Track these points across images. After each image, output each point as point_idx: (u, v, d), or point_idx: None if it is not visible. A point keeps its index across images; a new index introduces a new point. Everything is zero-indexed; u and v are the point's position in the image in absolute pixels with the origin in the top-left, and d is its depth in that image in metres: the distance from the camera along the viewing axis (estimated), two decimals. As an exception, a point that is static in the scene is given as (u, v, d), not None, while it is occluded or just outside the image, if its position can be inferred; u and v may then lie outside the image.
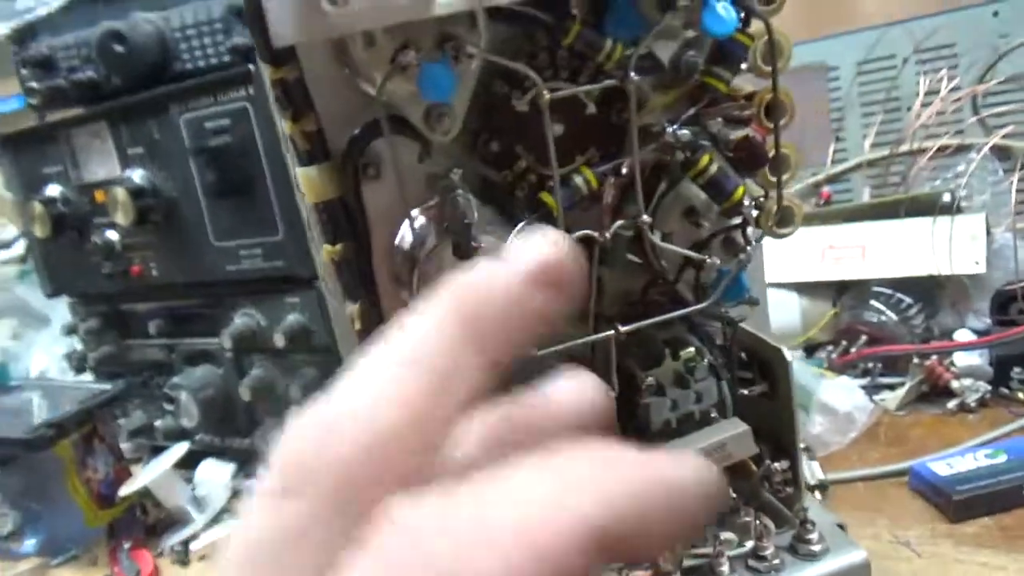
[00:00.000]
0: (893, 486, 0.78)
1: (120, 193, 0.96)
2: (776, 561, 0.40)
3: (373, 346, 0.19)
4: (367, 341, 0.38)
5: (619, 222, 0.35)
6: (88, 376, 1.20)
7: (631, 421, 0.38)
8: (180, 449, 1.00)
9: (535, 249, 0.19)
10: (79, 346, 1.20)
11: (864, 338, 0.97)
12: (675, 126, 0.34)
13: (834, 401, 0.89)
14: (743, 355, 0.42)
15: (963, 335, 0.90)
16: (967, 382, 0.87)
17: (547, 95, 0.31)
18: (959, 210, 0.96)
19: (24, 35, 1.00)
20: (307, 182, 0.35)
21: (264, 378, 1.01)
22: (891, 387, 0.92)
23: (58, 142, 1.04)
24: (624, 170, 0.37)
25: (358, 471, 0.17)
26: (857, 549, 0.42)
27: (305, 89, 0.33)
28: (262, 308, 0.99)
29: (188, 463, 1.08)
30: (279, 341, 0.94)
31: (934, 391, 0.89)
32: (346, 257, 0.36)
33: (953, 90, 0.96)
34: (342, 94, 0.35)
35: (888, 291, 0.97)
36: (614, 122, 0.37)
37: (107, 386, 1.00)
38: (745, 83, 0.39)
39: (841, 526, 0.43)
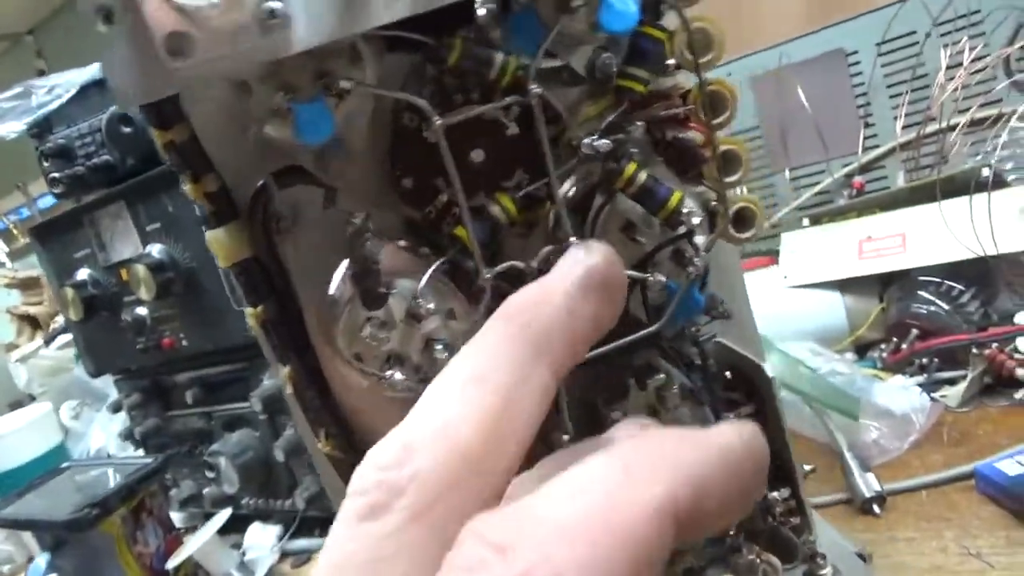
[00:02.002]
0: (959, 491, 0.71)
1: (140, 270, 0.98)
2: (785, 604, 0.35)
3: (443, 369, 0.20)
4: (307, 406, 0.35)
5: (546, 248, 0.32)
6: (140, 451, 1.22)
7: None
8: (222, 517, 1.00)
9: (580, 259, 0.21)
10: (129, 421, 1.23)
11: (916, 332, 0.90)
12: (592, 136, 0.31)
13: (890, 403, 0.83)
14: (728, 374, 0.38)
15: (1024, 318, 0.83)
16: (1034, 369, 0.79)
17: (439, 121, 0.29)
18: (1004, 183, 0.89)
19: (42, 129, 1.04)
20: (216, 245, 0.33)
21: (298, 437, 1.01)
22: (951, 382, 0.85)
23: (83, 226, 1.07)
24: (566, 190, 0.34)
25: (441, 489, 0.17)
26: (878, 583, 0.37)
27: (200, 148, 0.32)
28: (288, 367, 0.98)
29: (237, 528, 1.08)
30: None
31: (998, 382, 0.81)
32: (270, 318, 0.34)
33: (977, 59, 0.89)
34: (241, 147, 0.33)
35: (936, 279, 0.90)
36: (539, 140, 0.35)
37: (148, 460, 1.01)
38: (687, 79, 0.35)
39: (862, 556, 0.38)
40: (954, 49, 0.92)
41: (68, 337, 1.66)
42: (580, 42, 0.32)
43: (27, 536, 1.27)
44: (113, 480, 1.02)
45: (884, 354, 0.93)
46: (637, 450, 0.17)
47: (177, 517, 1.16)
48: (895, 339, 0.92)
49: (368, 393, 0.35)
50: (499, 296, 0.33)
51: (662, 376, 0.35)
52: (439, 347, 0.31)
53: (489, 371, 0.19)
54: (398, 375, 0.31)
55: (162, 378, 1.15)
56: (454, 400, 0.19)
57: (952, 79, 0.91)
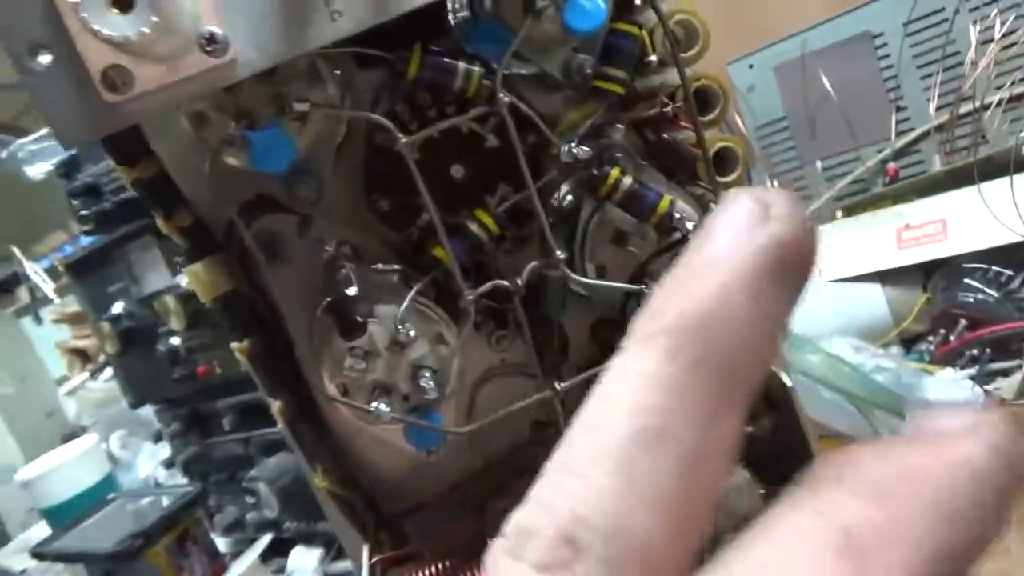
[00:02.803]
0: (1022, 490, 0.67)
1: (171, 301, 0.99)
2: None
3: (591, 419, 0.14)
4: (301, 440, 0.34)
5: (531, 264, 0.30)
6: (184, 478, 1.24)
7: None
8: (263, 542, 1.00)
9: (755, 227, 0.14)
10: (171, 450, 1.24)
11: (964, 322, 0.85)
12: (570, 143, 0.29)
13: (941, 398, 0.78)
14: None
15: (1079, 301, 0.78)
16: (1095, 355, 0.75)
17: (403, 139, 0.27)
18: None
19: (69, 169, 1.06)
20: (195, 281, 0.32)
21: (333, 460, 1.01)
22: (1005, 373, 0.80)
23: (115, 261, 1.09)
24: (553, 202, 0.33)
25: None
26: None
27: (170, 183, 0.31)
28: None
29: (281, 551, 1.08)
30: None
31: (1056, 371, 0.77)
32: (257, 352, 0.33)
33: (1008, 34, 0.84)
34: (215, 177, 0.32)
35: (982, 266, 0.85)
36: (525, 152, 0.33)
37: (188, 489, 1.02)
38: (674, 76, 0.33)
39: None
40: (984, 24, 0.88)
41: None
42: (551, 44, 0.30)
43: (80, 569, 1.30)
44: (154, 511, 1.03)
45: (932, 347, 0.89)
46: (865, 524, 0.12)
47: (222, 543, 1.16)
48: (942, 330, 0.87)
49: (359, 427, 0.34)
50: (491, 316, 0.31)
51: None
52: (427, 374, 0.30)
53: (671, 423, 0.14)
54: (383, 406, 0.29)
55: (200, 406, 1.16)
56: (626, 468, 0.13)
57: (984, 55, 0.86)
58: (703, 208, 0.32)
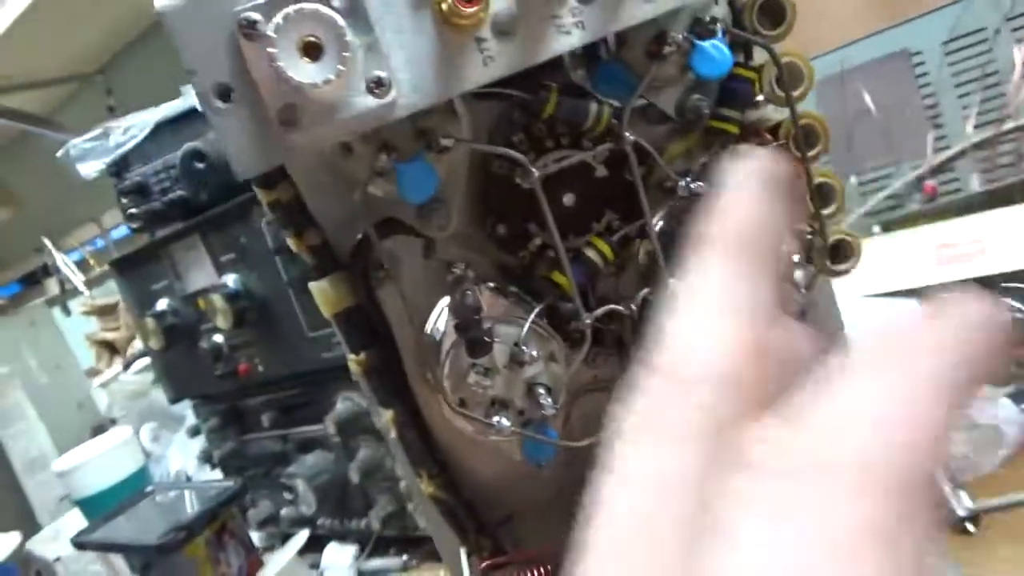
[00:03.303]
0: (1060, 508, 0.69)
1: (218, 300, 1.01)
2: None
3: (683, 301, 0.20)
4: (409, 448, 0.36)
5: (644, 290, 0.32)
6: (218, 472, 1.26)
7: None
8: (301, 538, 1.02)
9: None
10: (207, 444, 1.27)
11: (1001, 341, 0.87)
12: (687, 179, 0.31)
13: (978, 416, 0.80)
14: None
15: (1118, 322, 0.79)
16: None
17: (536, 173, 0.29)
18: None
19: (120, 168, 1.09)
20: (321, 296, 0.34)
21: (371, 458, 1.03)
22: (1042, 392, 0.82)
23: (160, 259, 1.12)
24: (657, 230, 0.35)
25: (719, 407, 0.17)
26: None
27: (302, 205, 0.33)
28: (360, 391, 1.00)
29: (315, 547, 1.10)
30: (378, 421, 0.96)
31: (1094, 391, 0.78)
32: (373, 365, 0.35)
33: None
34: (342, 201, 0.34)
35: (1020, 285, 0.87)
36: (630, 181, 0.35)
37: (229, 483, 1.04)
38: (774, 112, 0.35)
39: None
40: (1030, 46, 0.89)
41: (146, 361, 1.72)
42: (668, 84, 0.32)
43: (116, 558, 1.32)
44: (194, 503, 1.05)
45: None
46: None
47: (255, 537, 1.19)
48: (979, 348, 0.89)
49: (466, 436, 0.36)
50: (597, 339, 0.33)
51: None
52: (542, 391, 0.32)
53: (730, 299, 0.19)
54: (505, 421, 0.31)
55: (238, 402, 1.19)
56: (706, 330, 0.19)
57: (1028, 77, 0.88)
58: (799, 240, 0.34)
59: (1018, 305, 0.87)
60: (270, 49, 0.23)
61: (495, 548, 0.37)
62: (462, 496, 0.36)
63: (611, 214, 0.34)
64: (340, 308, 0.34)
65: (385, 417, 0.36)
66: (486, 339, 0.30)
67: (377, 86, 0.25)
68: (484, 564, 0.35)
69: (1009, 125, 0.89)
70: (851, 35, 1.10)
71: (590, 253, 0.32)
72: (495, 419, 0.31)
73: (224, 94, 0.25)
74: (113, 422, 1.79)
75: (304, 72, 0.24)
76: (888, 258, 0.98)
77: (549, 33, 0.27)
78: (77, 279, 2.16)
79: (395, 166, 0.28)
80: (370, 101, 0.26)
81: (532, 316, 0.31)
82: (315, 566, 1.09)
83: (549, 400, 0.31)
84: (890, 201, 1.10)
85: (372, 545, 1.06)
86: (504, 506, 0.38)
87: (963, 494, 0.71)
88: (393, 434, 0.35)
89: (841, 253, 0.33)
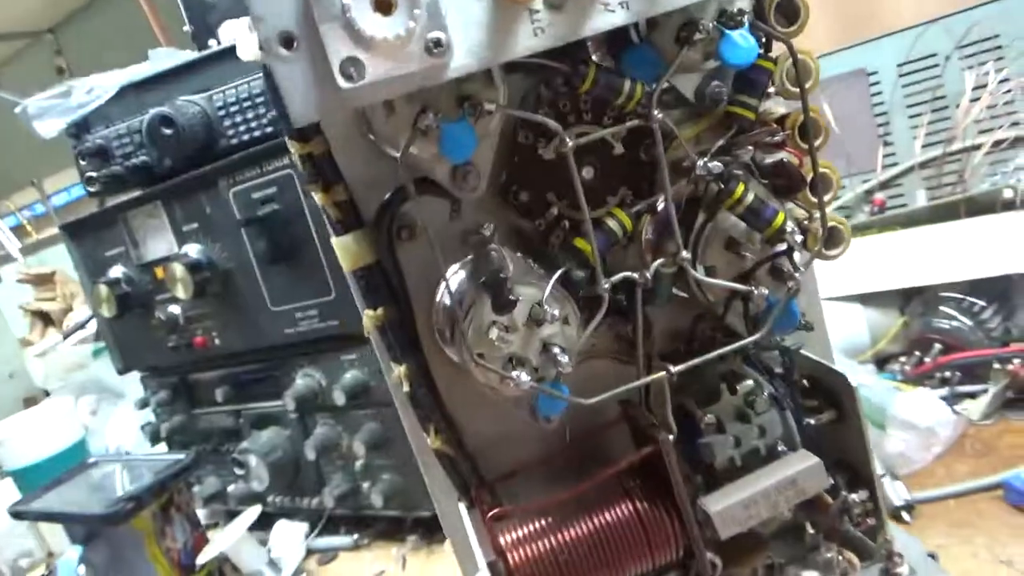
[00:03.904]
0: (987, 501, 0.74)
1: (178, 269, 0.99)
2: (863, 599, 0.38)
3: None
4: (420, 403, 0.38)
5: (659, 261, 0.34)
6: (163, 447, 1.24)
7: (695, 462, 0.37)
8: (253, 513, 1.01)
9: None
10: (153, 418, 1.24)
11: (939, 347, 0.92)
12: (705, 159, 0.34)
13: (913, 416, 0.85)
14: (805, 382, 0.41)
15: (1045, 334, 0.86)
16: (1056, 384, 0.82)
17: (570, 142, 0.31)
18: (1019, 205, 0.92)
19: (80, 129, 1.06)
20: (342, 251, 0.35)
21: (328, 436, 1.02)
22: (972, 396, 0.88)
23: (117, 225, 1.09)
24: (660, 206, 0.37)
25: None
26: (950, 581, 0.39)
27: (333, 161, 0.34)
28: (321, 367, 1.00)
29: (263, 525, 1.09)
30: (339, 398, 0.96)
31: (1020, 397, 0.84)
32: (388, 321, 0.36)
33: (1002, 82, 0.92)
34: (369, 161, 0.35)
35: (958, 295, 0.93)
36: (643, 159, 0.37)
37: (180, 456, 1.03)
38: (776, 104, 0.38)
39: (933, 555, 0.41)
40: (980, 71, 0.96)
41: (85, 333, 1.67)
42: (690, 70, 0.34)
43: (47, 531, 1.28)
44: (143, 474, 1.03)
45: (906, 367, 0.96)
46: None
47: (201, 514, 1.17)
48: (917, 352, 0.95)
49: (471, 395, 0.37)
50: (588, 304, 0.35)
51: (750, 383, 0.38)
52: (556, 350, 0.33)
53: None
54: (524, 375, 0.33)
55: (190, 376, 1.17)
56: None
57: (977, 100, 0.94)
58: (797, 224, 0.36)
59: (954, 313, 0.93)
60: (344, 0, 0.25)
61: (494, 502, 0.38)
62: (466, 451, 0.38)
63: (624, 190, 0.36)
64: (361, 264, 0.35)
65: (396, 372, 0.37)
66: (511, 297, 0.32)
67: (436, 46, 0.27)
68: (492, 513, 0.36)
69: (956, 146, 0.95)
70: (816, 50, 1.15)
71: (611, 223, 0.34)
72: (514, 373, 0.33)
73: (287, 42, 0.26)
74: (47, 394, 1.73)
75: (375, 25, 0.25)
76: (837, 265, 1.03)
77: (595, 10, 0.29)
78: (12, 246, 2.08)
79: (440, 125, 0.30)
80: (427, 61, 0.27)
81: (555, 278, 0.33)
82: (262, 543, 1.08)
83: (566, 358, 0.33)
84: (841, 212, 1.16)
85: (323, 523, 1.06)
86: (502, 464, 0.40)
87: (900, 486, 0.76)
88: (405, 388, 0.36)
89: (833, 239, 0.36)
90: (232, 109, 0.99)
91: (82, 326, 1.64)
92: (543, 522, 0.37)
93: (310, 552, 1.07)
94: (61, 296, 1.92)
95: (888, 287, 0.98)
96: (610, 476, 0.36)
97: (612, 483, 0.37)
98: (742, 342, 0.35)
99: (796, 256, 0.35)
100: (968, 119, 0.94)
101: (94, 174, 1.06)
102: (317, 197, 0.34)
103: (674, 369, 0.35)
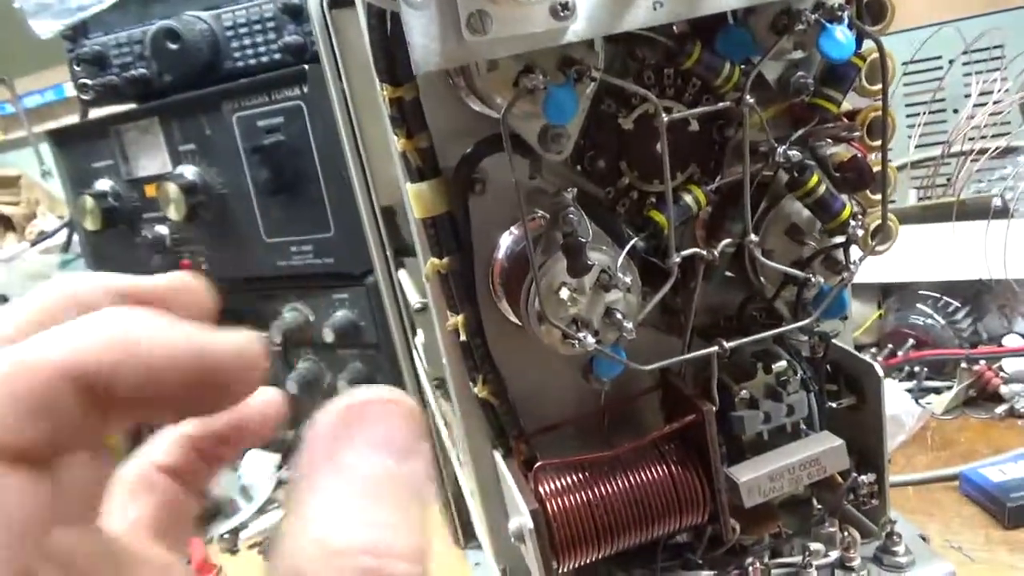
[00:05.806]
0: (943, 491, 0.79)
1: (172, 189, 0.97)
2: (863, 572, 0.40)
3: None
4: (474, 352, 0.39)
5: (726, 240, 0.36)
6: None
7: (725, 433, 0.39)
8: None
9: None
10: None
11: (911, 341, 0.97)
12: (784, 146, 0.35)
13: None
14: (828, 368, 0.43)
15: (1013, 340, 0.90)
16: (1016, 387, 0.87)
17: (665, 117, 0.32)
18: (1011, 214, 0.96)
19: (77, 33, 1.02)
20: (417, 197, 0.35)
21: (311, 372, 1.03)
22: (936, 391, 0.92)
23: (108, 137, 1.06)
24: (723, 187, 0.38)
25: None
26: (943, 561, 0.43)
27: (420, 108, 0.34)
28: (311, 303, 1.00)
29: (233, 454, 1.10)
30: (328, 336, 0.96)
31: (981, 396, 0.89)
32: (453, 270, 0.37)
33: (1006, 91, 0.95)
34: (452, 113, 0.35)
35: (935, 294, 0.97)
36: (714, 139, 0.38)
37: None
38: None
39: (923, 537, 0.44)
40: (986, 78, 0.98)
41: (53, 242, 1.63)
42: (776, 57, 0.35)
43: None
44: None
45: (877, 357, 1.00)
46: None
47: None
48: (890, 345, 0.99)
49: (517, 350, 0.39)
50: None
51: (784, 363, 0.40)
52: (619, 315, 0.35)
53: None
54: (589, 337, 0.34)
55: (169, 299, 1.15)
56: None
57: (981, 106, 0.97)
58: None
59: (929, 311, 0.97)
60: (486, -48, 0.25)
61: (530, 454, 0.40)
62: (510, 403, 0.39)
63: (694, 167, 0.37)
64: (433, 212, 0.36)
65: (451, 320, 0.38)
66: (588, 262, 0.33)
67: (563, 9, 0.27)
68: (539, 464, 0.38)
69: (955, 149, 0.98)
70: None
71: (688, 198, 0.36)
72: (580, 335, 0.34)
73: (421, -12, 0.26)
74: (5, 299, 1.68)
75: (515, -20, 0.25)
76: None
77: (713, -10, 0.29)
78: (-25, 144, 1.99)
79: (548, 87, 0.30)
80: (552, 23, 0.27)
81: (628, 246, 0.34)
82: (234, 470, 1.08)
83: (630, 323, 0.34)
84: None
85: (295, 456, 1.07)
86: (534, 419, 0.41)
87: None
88: (463, 338, 0.37)
89: (884, 234, 0.38)
90: (242, 31, 0.97)
91: (50, 236, 1.60)
92: (581, 476, 0.38)
93: (280, 483, 1.08)
94: (25, 201, 1.86)
95: (869, 280, 1.02)
96: (650, 439, 0.38)
97: (648, 446, 0.39)
98: (792, 325, 0.37)
99: (852, 250, 0.37)
100: (970, 125, 0.97)
101: (88, 82, 1.03)
102: (400, 143, 0.35)
103: (728, 345, 0.36)
